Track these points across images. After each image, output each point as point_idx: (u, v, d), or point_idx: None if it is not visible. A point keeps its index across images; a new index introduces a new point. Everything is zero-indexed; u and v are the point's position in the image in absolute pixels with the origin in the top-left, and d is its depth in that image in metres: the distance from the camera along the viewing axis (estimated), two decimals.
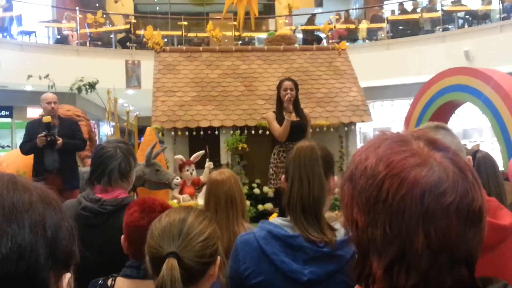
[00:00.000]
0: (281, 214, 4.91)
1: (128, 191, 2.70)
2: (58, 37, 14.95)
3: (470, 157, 1.75)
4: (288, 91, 5.09)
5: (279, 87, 5.23)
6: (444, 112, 8.27)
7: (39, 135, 5.29)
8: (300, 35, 15.67)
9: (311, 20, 16.47)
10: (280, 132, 5.06)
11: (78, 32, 14.81)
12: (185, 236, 1.45)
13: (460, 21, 14.91)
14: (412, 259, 0.80)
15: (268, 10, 22.79)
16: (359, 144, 8.27)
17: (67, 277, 0.80)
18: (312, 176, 1.72)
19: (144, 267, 1.71)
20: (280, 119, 5.08)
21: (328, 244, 1.66)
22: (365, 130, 16.30)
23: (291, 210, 1.74)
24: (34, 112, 13.00)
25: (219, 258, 1.52)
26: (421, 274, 0.79)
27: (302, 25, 16.50)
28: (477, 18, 14.45)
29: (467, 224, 0.80)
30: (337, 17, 16.64)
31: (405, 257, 0.80)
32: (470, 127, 15.33)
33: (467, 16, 14.87)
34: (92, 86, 7.89)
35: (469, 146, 12.45)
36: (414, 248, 0.79)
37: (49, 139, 5.25)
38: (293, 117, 5.07)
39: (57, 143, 5.32)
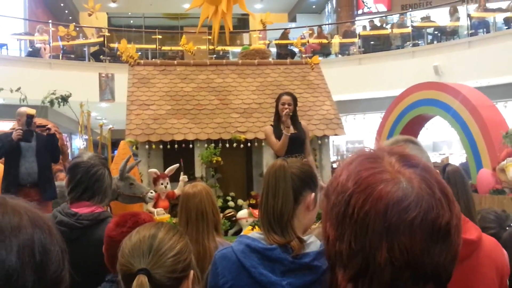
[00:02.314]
0: None
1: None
2: (30, 49, 14.78)
3: (437, 171, 1.79)
4: (286, 105, 5.10)
5: (277, 100, 5.23)
6: (415, 125, 8.46)
7: (16, 128, 5.17)
8: (274, 49, 15.83)
9: (285, 34, 16.67)
10: (279, 147, 5.05)
11: (51, 44, 14.67)
12: (155, 252, 1.45)
13: (430, 37, 15.29)
14: (375, 273, 0.81)
15: (242, 24, 22.99)
16: (332, 157, 8.38)
17: None
18: (277, 192, 1.81)
19: (119, 281, 1.73)
20: (277, 133, 5.08)
21: (293, 250, 1.73)
22: (338, 143, 16.49)
23: (261, 223, 1.84)
24: (4, 126, 12.77)
25: (192, 272, 1.53)
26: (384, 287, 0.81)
27: (276, 40, 16.68)
28: (445, 34, 14.82)
29: (432, 239, 0.80)
30: (310, 32, 16.88)
31: (368, 270, 0.82)
32: (440, 140, 15.66)
33: (436, 32, 15.24)
34: (64, 99, 7.80)
35: (438, 159, 12.71)
36: (377, 263, 0.80)
37: (26, 131, 5.15)
38: (291, 130, 5.09)
39: (50, 132, 5.29)
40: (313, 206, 1.87)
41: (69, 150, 10.04)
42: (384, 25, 16.18)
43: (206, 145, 6.46)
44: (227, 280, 1.77)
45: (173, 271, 1.44)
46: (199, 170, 6.41)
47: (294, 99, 5.24)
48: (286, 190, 1.81)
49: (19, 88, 7.57)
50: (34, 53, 14.46)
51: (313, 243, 1.78)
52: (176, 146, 6.44)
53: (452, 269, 0.85)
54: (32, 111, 5.28)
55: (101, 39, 15.54)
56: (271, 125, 5.32)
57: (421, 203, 0.81)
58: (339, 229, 0.85)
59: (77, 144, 15.19)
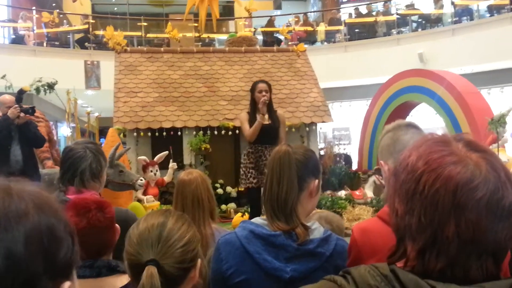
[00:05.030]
0: (252, 212, 4.96)
1: None
2: (14, 37, 14.57)
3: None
4: (263, 93, 5.04)
5: (253, 89, 5.17)
6: (401, 112, 8.54)
7: (14, 106, 5.07)
8: (260, 37, 15.79)
9: (270, 22, 16.63)
10: (249, 133, 5.00)
11: (35, 31, 14.48)
12: (164, 243, 1.42)
13: (414, 25, 15.37)
14: (443, 246, 0.89)
15: (227, 11, 22.84)
16: (320, 144, 8.44)
17: (67, 285, 0.76)
18: (282, 179, 1.79)
19: (97, 266, 1.74)
20: (252, 121, 5.03)
21: (298, 237, 1.73)
22: (325, 130, 16.57)
23: (265, 209, 1.83)
24: None
25: (199, 260, 1.51)
26: (449, 260, 0.88)
27: (262, 27, 16.62)
28: (430, 22, 14.92)
29: (496, 218, 0.87)
30: (296, 19, 16.86)
31: (436, 243, 0.89)
32: (425, 127, 15.81)
33: (420, 20, 15.34)
34: (51, 86, 7.72)
35: None
36: (445, 236, 0.88)
37: (23, 108, 5.07)
38: (266, 120, 5.04)
39: (33, 109, 5.14)
40: (316, 192, 1.86)
41: (55, 138, 9.97)
42: (372, 12, 16.23)
43: (194, 132, 6.48)
44: (230, 265, 1.76)
45: (182, 261, 1.43)
46: (188, 157, 6.44)
47: (269, 87, 5.19)
48: (291, 177, 1.79)
49: (4, 76, 7.48)
50: (18, 40, 14.25)
51: (317, 229, 1.78)
52: (164, 133, 6.45)
53: (510, 246, 0.92)
54: (27, 87, 5.22)
55: (86, 26, 15.36)
56: (247, 112, 5.26)
57: (488, 184, 0.88)
58: (409, 204, 0.92)
59: (63, 132, 15.06)
